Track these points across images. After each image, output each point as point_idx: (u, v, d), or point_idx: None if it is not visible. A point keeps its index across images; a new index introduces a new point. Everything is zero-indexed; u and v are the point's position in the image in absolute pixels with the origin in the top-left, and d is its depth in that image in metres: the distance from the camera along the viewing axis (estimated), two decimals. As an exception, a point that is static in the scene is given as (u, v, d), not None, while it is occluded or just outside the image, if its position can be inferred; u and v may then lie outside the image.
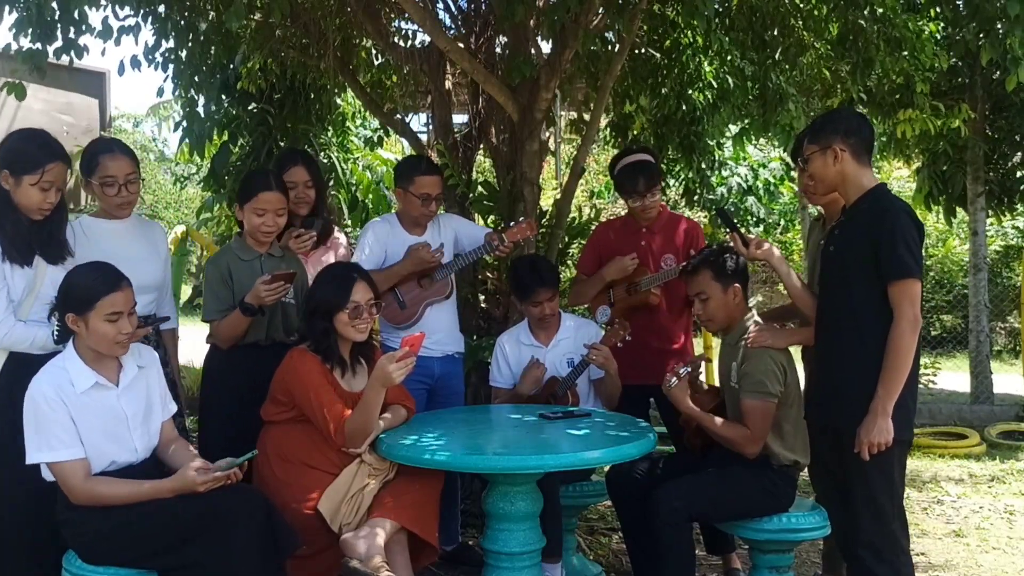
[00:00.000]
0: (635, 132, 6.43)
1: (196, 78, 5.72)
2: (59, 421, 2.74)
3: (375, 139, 7.70)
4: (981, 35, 4.34)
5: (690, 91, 6.11)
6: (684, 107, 6.14)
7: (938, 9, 5.42)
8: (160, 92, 6.45)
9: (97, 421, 2.81)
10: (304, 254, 3.91)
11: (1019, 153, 8.48)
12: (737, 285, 3.45)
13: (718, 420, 3.42)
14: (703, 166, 6.88)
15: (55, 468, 2.77)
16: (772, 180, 12.51)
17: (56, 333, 2.92)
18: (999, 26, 4.24)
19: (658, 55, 5.91)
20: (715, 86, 5.96)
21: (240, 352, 3.57)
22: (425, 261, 3.97)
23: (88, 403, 2.80)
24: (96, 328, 2.79)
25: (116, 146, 3.48)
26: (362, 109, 8.27)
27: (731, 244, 3.45)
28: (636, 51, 5.57)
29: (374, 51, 5.93)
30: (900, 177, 13.05)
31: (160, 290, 3.57)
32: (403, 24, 5.60)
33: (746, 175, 12.12)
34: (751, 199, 12.18)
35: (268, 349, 3.57)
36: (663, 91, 6.03)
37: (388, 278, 3.93)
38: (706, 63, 5.99)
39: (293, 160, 4.02)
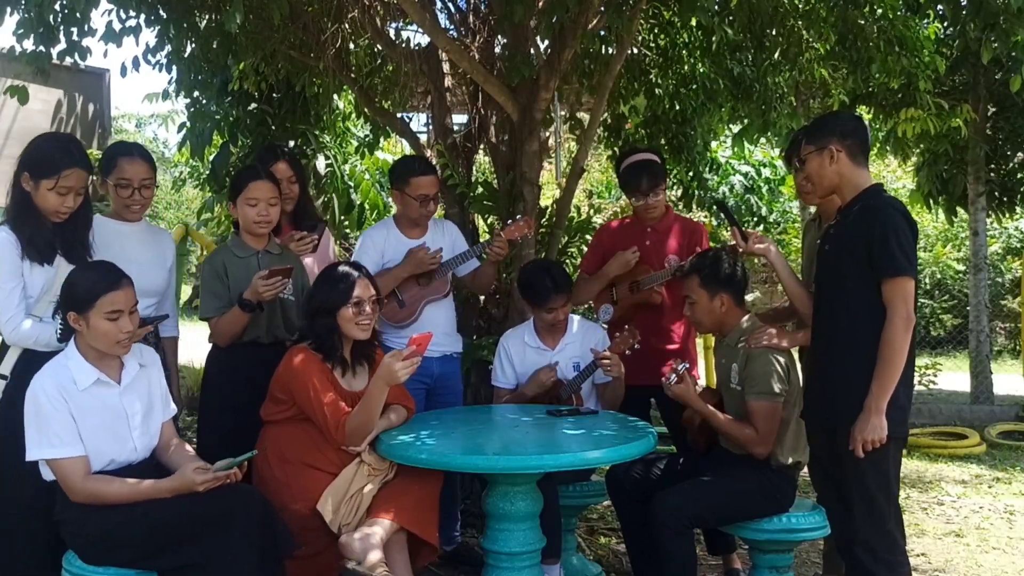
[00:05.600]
0: (629, 132, 6.41)
1: (199, 77, 5.71)
2: (59, 418, 2.75)
3: (366, 146, 7.69)
4: (985, 30, 4.34)
5: (683, 91, 6.10)
6: (678, 107, 6.13)
7: (939, 7, 5.40)
8: (165, 95, 6.44)
9: (98, 419, 2.81)
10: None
11: (1020, 153, 8.46)
12: (725, 295, 3.45)
13: (726, 417, 3.43)
14: (700, 167, 6.85)
15: (54, 465, 2.77)
16: (773, 179, 12.48)
17: (59, 332, 2.92)
18: (1002, 22, 4.24)
19: (652, 54, 5.90)
20: (707, 87, 5.96)
21: (241, 351, 3.57)
22: (424, 263, 3.97)
23: (89, 400, 2.81)
24: (97, 326, 2.79)
25: (136, 150, 3.52)
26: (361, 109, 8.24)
27: (731, 239, 3.47)
28: (632, 50, 5.56)
29: (372, 53, 5.92)
30: (902, 177, 13.00)
31: (161, 296, 3.58)
32: (402, 25, 5.60)
33: (748, 174, 12.09)
34: (753, 198, 12.15)
35: (269, 348, 3.57)
36: (657, 91, 6.03)
37: (387, 282, 3.92)
38: (700, 64, 5.98)
39: (274, 155, 4.00)
